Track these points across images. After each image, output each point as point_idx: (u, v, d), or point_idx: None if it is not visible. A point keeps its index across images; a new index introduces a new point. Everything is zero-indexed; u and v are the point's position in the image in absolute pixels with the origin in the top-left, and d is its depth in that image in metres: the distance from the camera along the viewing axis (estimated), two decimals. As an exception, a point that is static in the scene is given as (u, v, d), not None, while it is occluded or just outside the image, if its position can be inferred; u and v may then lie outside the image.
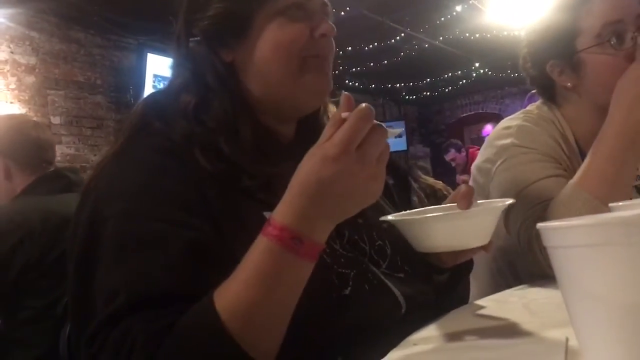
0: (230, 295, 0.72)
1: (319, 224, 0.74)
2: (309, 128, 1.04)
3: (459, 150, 8.06)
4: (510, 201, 0.93)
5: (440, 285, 1.09)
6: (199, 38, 0.96)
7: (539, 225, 0.56)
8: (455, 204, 0.95)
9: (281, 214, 0.73)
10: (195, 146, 0.88)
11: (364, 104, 0.71)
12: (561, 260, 0.55)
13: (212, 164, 0.87)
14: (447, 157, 8.10)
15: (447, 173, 7.91)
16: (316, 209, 0.72)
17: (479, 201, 0.99)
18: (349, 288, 0.87)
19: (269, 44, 0.94)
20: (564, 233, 0.54)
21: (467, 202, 0.94)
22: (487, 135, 5.74)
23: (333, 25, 0.98)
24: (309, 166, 0.73)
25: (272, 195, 0.88)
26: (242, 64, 0.97)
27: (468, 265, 1.11)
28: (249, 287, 0.72)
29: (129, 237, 0.80)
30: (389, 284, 0.94)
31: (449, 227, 0.89)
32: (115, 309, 0.74)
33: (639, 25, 1.27)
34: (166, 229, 0.80)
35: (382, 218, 0.97)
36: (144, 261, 0.78)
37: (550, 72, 1.40)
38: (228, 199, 0.86)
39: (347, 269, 0.89)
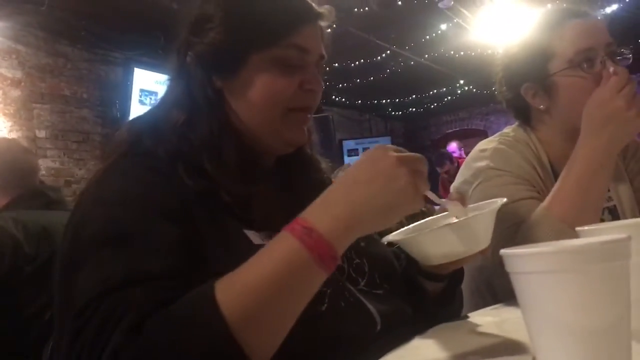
0: (234, 277, 0.71)
1: (333, 218, 0.74)
2: (291, 155, 1.08)
3: (452, 162, 7.97)
4: (503, 200, 0.95)
5: (437, 294, 1.10)
6: (194, 58, 0.98)
7: (502, 251, 0.60)
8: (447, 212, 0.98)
9: (306, 211, 0.77)
10: (179, 162, 0.91)
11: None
12: (521, 285, 0.58)
13: (194, 180, 0.89)
14: (442, 170, 7.93)
15: (432, 188, 7.93)
16: (335, 198, 0.77)
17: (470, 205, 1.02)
18: (325, 305, 0.89)
19: (257, 91, 0.96)
20: (523, 260, 0.57)
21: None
22: (452, 151, 5.83)
23: (321, 82, 1.01)
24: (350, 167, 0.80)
25: (248, 212, 0.92)
26: (229, 95, 0.99)
27: (461, 274, 1.13)
28: (255, 269, 0.72)
29: (117, 235, 0.80)
30: (365, 301, 0.97)
31: (454, 236, 0.90)
32: (111, 285, 0.73)
33: (608, 52, 1.32)
34: (153, 229, 0.81)
35: (384, 239, 0.99)
36: (138, 253, 0.78)
37: (524, 94, 1.44)
38: (210, 215, 0.88)
39: (324, 287, 0.92)
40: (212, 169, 0.92)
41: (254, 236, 0.91)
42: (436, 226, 0.95)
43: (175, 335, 0.67)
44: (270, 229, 0.92)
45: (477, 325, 1.03)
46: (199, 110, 0.97)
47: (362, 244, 1.07)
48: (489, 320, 1.06)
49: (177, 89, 1.01)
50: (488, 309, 1.18)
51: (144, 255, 0.77)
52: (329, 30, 1.06)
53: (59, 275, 0.84)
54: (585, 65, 1.33)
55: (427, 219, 1.06)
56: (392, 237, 0.99)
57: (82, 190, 0.92)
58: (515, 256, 0.57)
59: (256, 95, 0.97)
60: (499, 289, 1.44)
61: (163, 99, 1.03)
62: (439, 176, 7.82)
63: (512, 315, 1.08)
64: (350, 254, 1.03)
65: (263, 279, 0.70)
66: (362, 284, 1.00)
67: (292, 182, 1.09)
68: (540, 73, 1.40)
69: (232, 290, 0.70)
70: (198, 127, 0.95)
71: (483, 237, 0.92)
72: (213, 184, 0.91)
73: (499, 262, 1.26)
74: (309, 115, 1.03)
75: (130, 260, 0.76)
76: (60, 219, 2.13)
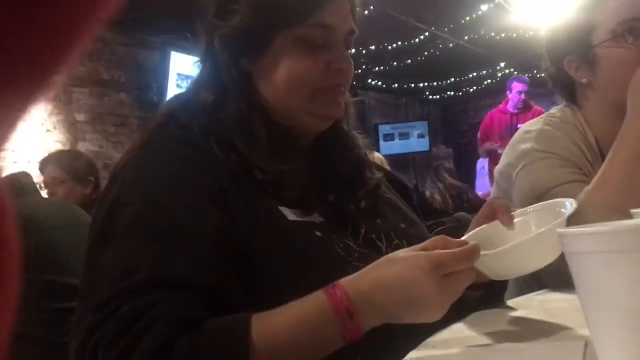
0: (267, 328, 0.73)
1: (374, 314, 0.77)
2: (327, 132, 1.06)
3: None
4: (573, 205, 0.90)
5: (472, 300, 1.05)
6: (220, 40, 0.98)
7: (559, 230, 0.56)
8: (494, 220, 0.97)
9: (351, 283, 0.77)
10: (212, 139, 0.91)
11: (475, 247, 0.78)
12: (580, 265, 0.54)
13: (227, 156, 0.90)
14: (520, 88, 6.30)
15: (470, 174, 7.81)
16: (380, 300, 0.76)
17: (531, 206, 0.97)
18: None
19: (283, 72, 0.95)
20: (583, 239, 0.53)
21: (509, 217, 0.95)
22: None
23: (350, 59, 0.99)
24: (396, 265, 0.77)
25: (282, 190, 0.92)
26: (257, 76, 0.98)
27: (503, 285, 1.09)
28: (286, 328, 0.74)
29: (152, 222, 0.81)
30: None
31: (524, 254, 0.85)
32: (135, 282, 0.74)
33: None
34: (189, 218, 0.81)
35: None
36: (167, 247, 0.78)
37: (567, 68, 1.41)
38: (242, 191, 0.88)
39: (361, 263, 0.89)
40: (244, 148, 0.92)
41: (288, 213, 0.91)
42: (492, 235, 0.94)
43: None
44: (305, 206, 0.93)
45: (523, 310, 0.99)
46: (226, 91, 0.97)
47: (403, 225, 1.05)
48: (535, 305, 1.03)
49: (204, 71, 1.01)
50: (534, 294, 1.14)
51: (177, 251, 0.78)
52: (366, 12, 1.04)
53: (88, 249, 0.85)
54: (628, 36, 1.28)
55: (482, 227, 1.00)
56: None
57: (120, 164, 0.92)
58: (574, 235, 0.54)
59: (281, 77, 0.95)
60: (543, 274, 1.40)
61: (193, 81, 1.04)
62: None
63: (559, 300, 1.04)
64: (390, 234, 1.01)
65: (288, 326, 0.74)
66: None
67: (329, 159, 1.08)
68: (582, 45, 1.36)
69: (264, 336, 0.72)
70: (227, 108, 0.95)
71: (552, 250, 0.86)
72: (246, 161, 0.91)
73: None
74: (342, 89, 1.00)
75: (161, 254, 0.77)
76: (39, 202, 2.27)
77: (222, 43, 0.97)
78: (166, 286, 0.75)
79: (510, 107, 6.28)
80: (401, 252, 0.79)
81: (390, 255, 0.79)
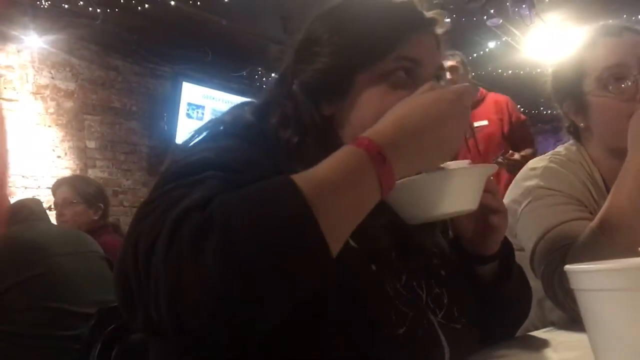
0: (308, 177, 0.68)
1: (403, 161, 0.73)
2: None
3: None
4: (494, 167, 0.89)
5: (491, 276, 1.03)
6: (300, 86, 0.94)
7: (567, 267, 0.57)
8: None
9: (374, 133, 0.73)
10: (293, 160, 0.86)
11: None
12: (588, 303, 0.55)
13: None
14: None
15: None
16: (408, 143, 0.74)
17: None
18: (404, 328, 0.84)
19: (369, 111, 0.89)
20: (591, 276, 0.54)
21: None
22: None
23: None
24: (420, 100, 0.77)
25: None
26: (340, 120, 0.93)
27: (507, 249, 1.04)
28: (327, 174, 0.69)
29: (204, 167, 0.75)
30: (442, 336, 0.89)
31: (433, 189, 0.82)
32: (185, 180, 0.71)
33: None
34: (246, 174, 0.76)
35: None
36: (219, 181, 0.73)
37: (567, 112, 1.44)
38: None
39: (406, 309, 0.87)
40: None
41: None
42: None
43: (249, 206, 0.64)
44: (367, 241, 0.87)
45: (531, 348, 0.99)
46: (307, 137, 0.90)
47: (443, 272, 1.01)
48: (542, 343, 1.02)
49: (283, 111, 0.94)
50: (541, 331, 1.14)
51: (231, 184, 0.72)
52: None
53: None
54: (613, 83, 1.30)
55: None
56: None
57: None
58: (583, 272, 0.54)
59: (368, 116, 0.86)
60: (548, 311, 1.40)
61: (263, 111, 0.96)
62: None
63: (566, 339, 1.04)
64: (430, 282, 0.96)
65: (328, 173, 0.69)
66: (440, 315, 0.93)
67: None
68: (576, 91, 1.38)
69: (305, 179, 0.67)
70: (307, 150, 0.89)
71: (468, 196, 0.84)
72: None
73: (545, 285, 1.23)
74: None
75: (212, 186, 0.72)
76: (47, 229, 2.30)
77: (303, 88, 0.93)
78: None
79: None
80: (416, 94, 0.79)
81: (407, 98, 0.79)
